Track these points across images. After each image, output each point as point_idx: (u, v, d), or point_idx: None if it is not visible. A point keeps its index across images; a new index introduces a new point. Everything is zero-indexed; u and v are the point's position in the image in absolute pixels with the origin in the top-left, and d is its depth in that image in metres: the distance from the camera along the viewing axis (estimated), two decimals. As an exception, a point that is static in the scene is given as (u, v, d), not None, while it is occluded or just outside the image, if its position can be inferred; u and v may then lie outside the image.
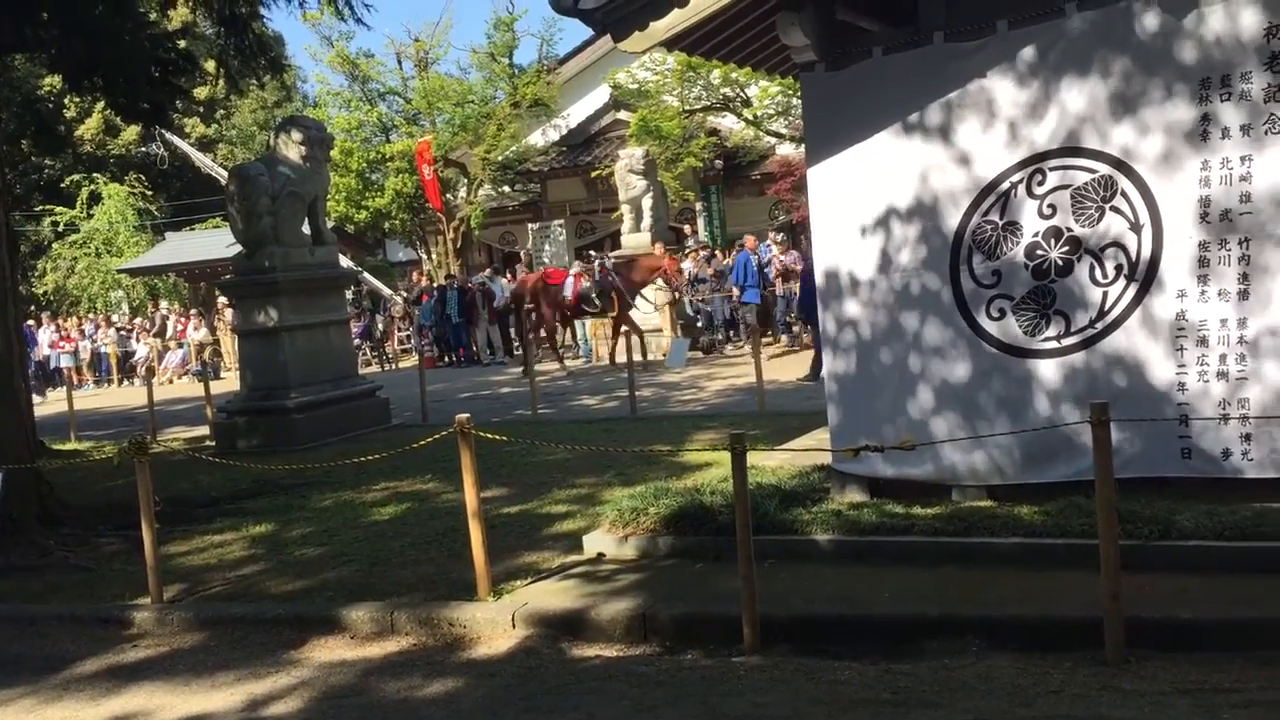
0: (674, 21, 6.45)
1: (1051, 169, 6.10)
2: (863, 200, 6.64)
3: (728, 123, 26.10)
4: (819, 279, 6.98)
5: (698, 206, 26.24)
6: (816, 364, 14.41)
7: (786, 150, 24.77)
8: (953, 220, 6.37)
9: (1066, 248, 6.08)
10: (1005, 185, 6.21)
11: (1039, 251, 6.15)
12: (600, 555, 6.68)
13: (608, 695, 4.88)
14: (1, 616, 6.98)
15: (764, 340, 16.53)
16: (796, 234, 22.43)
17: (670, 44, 7.01)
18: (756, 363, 12.71)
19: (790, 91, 20.74)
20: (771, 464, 7.64)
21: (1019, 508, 6.10)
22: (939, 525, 6.07)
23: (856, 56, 6.67)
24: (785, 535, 6.28)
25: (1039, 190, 6.13)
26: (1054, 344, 6.17)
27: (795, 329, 19.05)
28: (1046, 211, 6.11)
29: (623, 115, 26.70)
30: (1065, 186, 6.06)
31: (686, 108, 25.00)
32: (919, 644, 5.03)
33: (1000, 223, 6.24)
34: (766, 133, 25.01)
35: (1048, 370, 6.19)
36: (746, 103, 24.59)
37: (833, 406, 6.90)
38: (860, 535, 6.17)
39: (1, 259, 8.58)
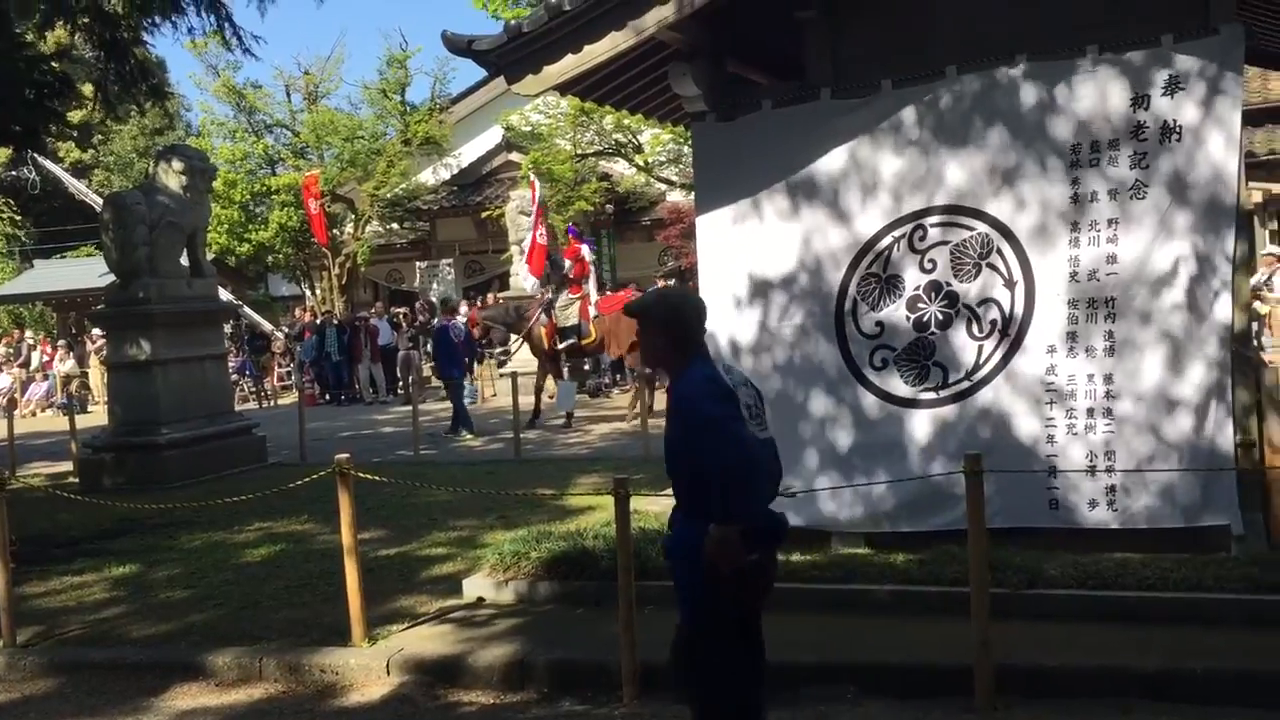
0: (567, 66, 6.51)
1: (932, 225, 6.28)
2: (752, 248, 6.74)
3: (619, 168, 26.31)
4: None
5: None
6: (455, 419, 15.11)
7: (676, 197, 25.05)
8: (838, 271, 6.50)
9: (945, 302, 6.26)
10: (888, 239, 6.38)
11: (920, 304, 6.31)
12: (480, 600, 6.58)
13: (483, 744, 4.79)
14: None
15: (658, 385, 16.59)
16: (685, 279, 22.65)
17: (563, 88, 7.06)
18: (641, 407, 12.74)
19: (681, 139, 21.01)
20: (655, 509, 7.61)
21: (895, 556, 6.20)
22: (817, 572, 6.13)
23: (746, 108, 6.79)
24: (666, 581, 6.18)
25: (920, 245, 6.31)
26: (933, 394, 6.32)
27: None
28: (927, 266, 6.29)
29: (514, 157, 26.71)
30: (944, 243, 6.25)
31: (579, 151, 25.13)
32: (797, 690, 5.05)
33: (884, 275, 6.40)
34: (657, 179, 25.27)
35: (926, 421, 6.34)
36: (638, 149, 24.84)
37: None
38: (741, 582, 6.18)
39: None
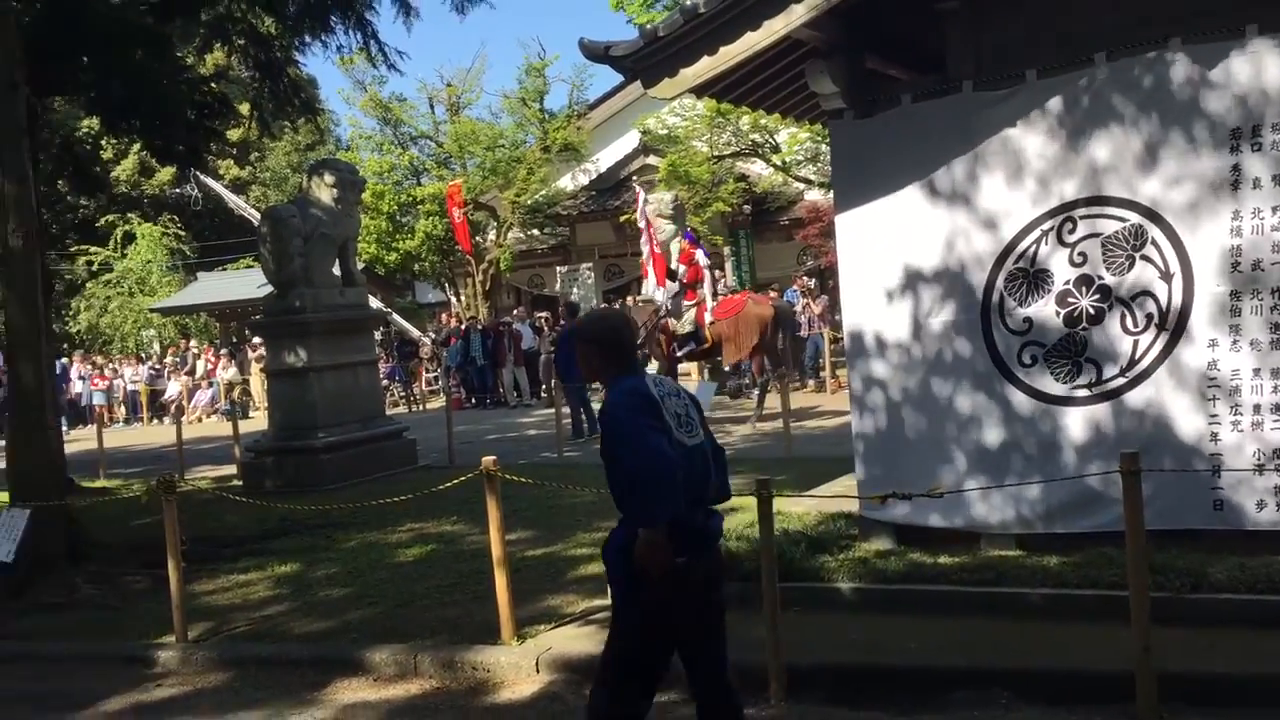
0: (703, 69, 6.52)
1: (1081, 217, 6.09)
2: (893, 245, 6.63)
3: (756, 168, 26.19)
4: (847, 323, 6.96)
5: (726, 251, 26.28)
6: (576, 424, 15.28)
7: (815, 196, 24.83)
8: (984, 265, 6.36)
9: (1097, 296, 6.06)
10: (1036, 233, 6.20)
11: (1070, 299, 6.12)
12: (624, 600, 6.63)
13: (631, 743, 4.83)
14: (29, 654, 7.01)
15: (792, 385, 16.47)
16: (825, 278, 22.43)
17: (700, 90, 7.08)
18: (784, 407, 12.67)
19: (819, 138, 20.80)
20: (798, 510, 7.57)
21: (1048, 558, 6.03)
22: (966, 575, 6.01)
23: (885, 104, 6.70)
24: (811, 582, 6.22)
25: (1069, 239, 6.12)
26: (1085, 392, 6.13)
27: (822, 374, 19.00)
28: (1077, 260, 6.09)
29: (652, 160, 26.84)
30: (1095, 235, 6.05)
31: (715, 153, 25.12)
32: (947, 695, 4.96)
33: (1031, 270, 6.23)
34: (795, 178, 25.08)
35: (1078, 418, 6.14)
36: (775, 148, 24.68)
37: (860, 447, 6.86)
38: (887, 584, 6.11)
39: (35, 298, 8.67)
